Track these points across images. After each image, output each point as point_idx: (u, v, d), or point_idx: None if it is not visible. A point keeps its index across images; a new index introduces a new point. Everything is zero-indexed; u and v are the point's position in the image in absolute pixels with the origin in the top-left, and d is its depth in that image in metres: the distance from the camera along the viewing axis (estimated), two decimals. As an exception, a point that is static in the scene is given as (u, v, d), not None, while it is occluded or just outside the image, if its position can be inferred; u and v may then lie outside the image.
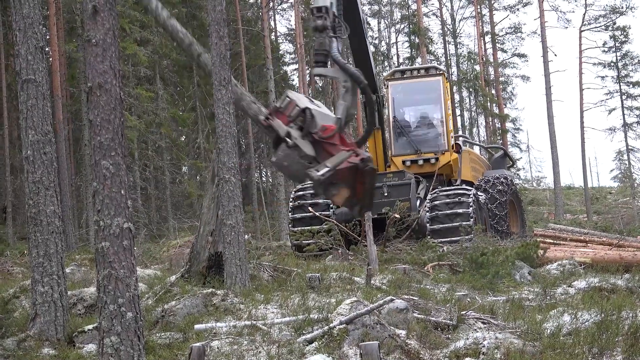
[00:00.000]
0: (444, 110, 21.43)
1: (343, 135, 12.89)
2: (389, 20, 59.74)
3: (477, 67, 54.44)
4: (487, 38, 56.49)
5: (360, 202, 12.79)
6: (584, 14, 50.14)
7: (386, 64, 53.78)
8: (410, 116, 22.47)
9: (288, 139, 12.56)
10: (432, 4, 58.88)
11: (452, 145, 21.01)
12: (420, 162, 20.61)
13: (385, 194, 19.05)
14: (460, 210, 17.80)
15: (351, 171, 12.07)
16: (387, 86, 21.93)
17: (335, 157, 12.45)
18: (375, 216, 17.36)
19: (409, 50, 56.20)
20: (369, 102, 14.99)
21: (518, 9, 56.24)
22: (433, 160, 20.69)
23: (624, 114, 54.55)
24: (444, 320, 9.17)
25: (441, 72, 22.46)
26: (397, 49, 60.79)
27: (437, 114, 21.80)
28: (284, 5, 56.12)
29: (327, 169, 12.22)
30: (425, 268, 14.78)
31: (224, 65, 11.89)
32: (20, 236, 28.70)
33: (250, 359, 7.72)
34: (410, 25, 53.95)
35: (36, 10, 9.33)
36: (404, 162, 20.78)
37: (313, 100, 14.08)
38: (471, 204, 17.86)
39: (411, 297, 10.53)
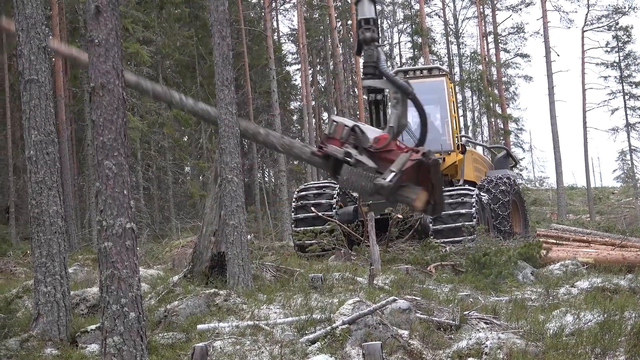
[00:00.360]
0: (449, 111, 21.43)
1: (397, 142, 13.71)
2: (391, 20, 59.87)
3: (480, 67, 54.42)
4: (490, 38, 56.45)
5: (433, 198, 13.34)
6: (587, 14, 50.13)
7: (389, 64, 53.77)
8: (415, 116, 22.46)
9: (348, 159, 13.39)
10: (435, 4, 58.99)
11: (458, 145, 21.02)
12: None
13: (389, 194, 19.03)
14: (463, 211, 17.77)
15: (416, 168, 13.29)
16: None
17: (397, 161, 13.13)
18: (378, 216, 17.37)
19: (412, 51, 56.24)
20: (419, 111, 15.17)
21: (520, 9, 56.26)
22: (440, 161, 20.72)
23: (626, 114, 54.54)
24: (446, 321, 9.17)
25: (444, 72, 22.48)
26: (399, 49, 60.90)
27: (443, 115, 21.81)
28: (287, 6, 56.18)
29: (393, 174, 12.95)
30: (428, 268, 14.78)
31: (226, 66, 11.89)
32: (23, 236, 28.72)
33: (252, 359, 7.72)
34: (413, 26, 53.93)
35: (39, 11, 9.34)
36: None
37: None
38: (474, 204, 17.83)
39: (414, 297, 10.54)
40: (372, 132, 14.16)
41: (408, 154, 13.16)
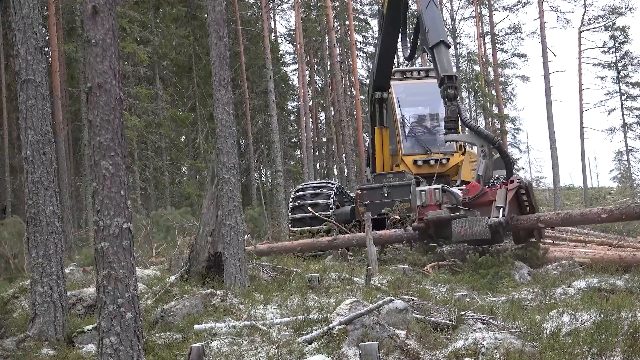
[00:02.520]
0: None
1: (486, 188, 15.24)
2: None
3: (477, 68, 54.45)
4: (487, 38, 56.54)
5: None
6: (584, 14, 50.31)
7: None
8: (417, 117, 22.54)
9: (456, 212, 14.99)
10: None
11: (459, 146, 21.12)
12: (432, 162, 20.75)
13: (385, 195, 19.08)
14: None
15: (518, 195, 15.17)
16: (390, 86, 22.05)
17: (497, 198, 14.77)
18: (375, 216, 17.38)
19: (409, 51, 56.13)
20: (504, 158, 16.68)
21: (517, 9, 56.37)
22: (444, 161, 20.83)
23: (623, 115, 54.65)
24: (443, 321, 9.17)
25: None
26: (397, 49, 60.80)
27: (444, 116, 21.87)
28: (284, 6, 56.23)
29: (502, 208, 14.17)
30: (425, 268, 14.77)
31: (223, 66, 11.88)
32: (20, 236, 28.66)
33: (249, 359, 7.72)
34: (411, 26, 53.86)
35: (36, 11, 9.33)
36: (415, 161, 20.90)
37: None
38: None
39: (411, 297, 10.53)
40: (456, 189, 16.12)
41: (503, 189, 14.78)
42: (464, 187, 15.97)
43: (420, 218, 15.57)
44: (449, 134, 16.63)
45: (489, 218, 14.51)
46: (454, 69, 15.83)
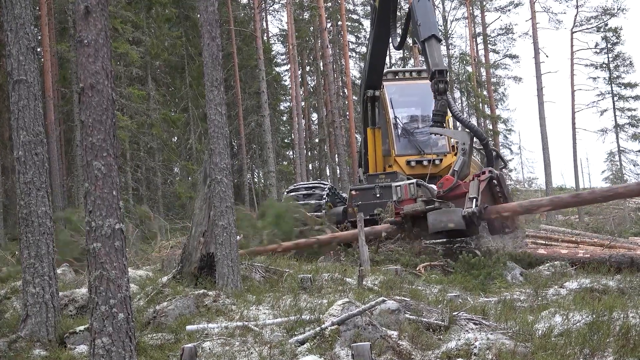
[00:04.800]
0: None
1: (459, 181, 15.73)
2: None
3: (469, 68, 54.48)
4: (479, 39, 56.58)
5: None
6: (576, 15, 50.30)
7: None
8: (410, 117, 22.57)
9: (431, 205, 15.47)
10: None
11: (452, 146, 21.18)
12: (425, 162, 20.81)
13: (377, 195, 19.11)
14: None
15: (490, 185, 15.60)
16: (382, 86, 22.08)
17: (470, 189, 15.51)
18: (367, 217, 17.40)
19: (402, 52, 56.27)
20: (487, 151, 17.65)
21: (509, 10, 56.38)
22: (438, 162, 20.90)
23: (615, 115, 54.77)
24: (435, 321, 9.18)
25: None
26: (389, 49, 60.82)
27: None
28: (276, 6, 56.17)
29: (474, 199, 14.74)
30: (417, 269, 14.79)
31: (216, 66, 11.87)
32: (12, 237, 28.60)
33: (242, 359, 7.72)
34: (403, 26, 53.86)
35: (27, 11, 9.31)
36: (408, 162, 20.94)
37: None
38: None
39: (403, 298, 10.54)
40: (430, 185, 16.57)
41: (475, 180, 15.35)
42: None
43: (397, 212, 15.95)
44: (435, 126, 16.92)
45: (463, 209, 14.96)
46: (445, 64, 16.11)
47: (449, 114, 17.70)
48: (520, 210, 16.11)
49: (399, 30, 20.87)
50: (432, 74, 16.35)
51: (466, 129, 17.14)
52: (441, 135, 19.32)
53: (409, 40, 48.57)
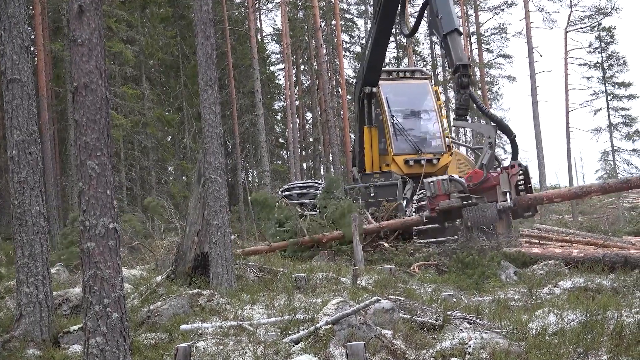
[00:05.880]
0: (438, 113, 21.72)
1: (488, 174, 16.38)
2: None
3: (463, 68, 54.34)
4: (473, 39, 56.57)
5: None
6: (570, 15, 50.30)
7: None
8: (406, 117, 22.62)
9: (468, 201, 16.03)
10: (418, 4, 58.71)
11: (448, 146, 21.29)
12: (423, 161, 20.88)
13: (372, 194, 19.14)
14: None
15: (523, 177, 16.38)
16: (377, 85, 22.10)
17: (501, 183, 15.80)
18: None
19: (396, 51, 56.30)
20: (513, 144, 17.63)
21: (503, 10, 56.39)
22: (435, 161, 20.98)
23: (609, 115, 54.76)
24: (430, 321, 9.18)
25: (427, 75, 22.84)
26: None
27: (432, 116, 22.07)
28: (270, 5, 56.06)
29: (508, 192, 15.35)
30: (411, 268, 14.80)
31: (210, 65, 11.86)
32: (6, 236, 28.54)
33: (236, 359, 7.71)
34: (397, 26, 53.91)
35: (21, 10, 9.29)
36: (406, 161, 20.98)
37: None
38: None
39: (397, 297, 10.54)
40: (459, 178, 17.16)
41: (505, 173, 16.04)
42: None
43: (432, 208, 16.64)
44: (459, 120, 17.17)
45: (497, 203, 15.83)
46: (467, 58, 16.53)
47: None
48: (570, 196, 17.30)
49: (407, 22, 20.94)
50: (456, 68, 16.45)
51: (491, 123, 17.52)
52: (464, 128, 20.51)
53: (404, 40, 48.63)
